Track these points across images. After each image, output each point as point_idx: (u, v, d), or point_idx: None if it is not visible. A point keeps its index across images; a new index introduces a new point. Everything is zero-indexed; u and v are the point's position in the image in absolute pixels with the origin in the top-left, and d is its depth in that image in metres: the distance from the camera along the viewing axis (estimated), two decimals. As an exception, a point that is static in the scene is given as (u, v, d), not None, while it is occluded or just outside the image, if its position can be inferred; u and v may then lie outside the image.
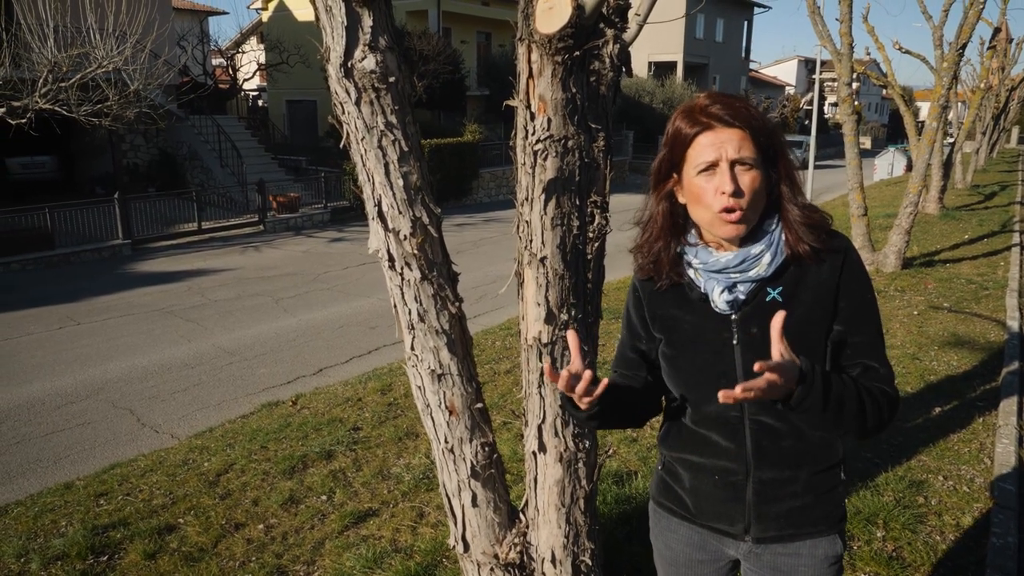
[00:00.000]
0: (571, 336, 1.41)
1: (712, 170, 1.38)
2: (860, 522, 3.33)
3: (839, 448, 1.54)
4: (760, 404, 1.47)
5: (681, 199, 1.48)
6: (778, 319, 1.26)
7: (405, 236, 1.96)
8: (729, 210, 1.37)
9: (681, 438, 1.61)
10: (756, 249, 1.42)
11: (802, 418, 1.38)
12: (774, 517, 1.53)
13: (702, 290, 1.48)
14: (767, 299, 1.44)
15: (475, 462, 2.20)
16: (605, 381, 1.37)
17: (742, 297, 1.45)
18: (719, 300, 1.45)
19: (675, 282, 1.53)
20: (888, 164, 28.24)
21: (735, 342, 1.46)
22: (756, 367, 1.21)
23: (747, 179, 1.37)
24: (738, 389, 1.18)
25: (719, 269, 1.44)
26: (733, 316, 1.47)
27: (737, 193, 1.36)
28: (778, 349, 1.25)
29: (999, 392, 4.97)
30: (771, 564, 1.57)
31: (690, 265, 1.50)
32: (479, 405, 2.21)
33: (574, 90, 1.78)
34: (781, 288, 1.44)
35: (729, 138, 1.37)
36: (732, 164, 1.36)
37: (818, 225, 1.43)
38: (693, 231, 1.51)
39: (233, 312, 9.10)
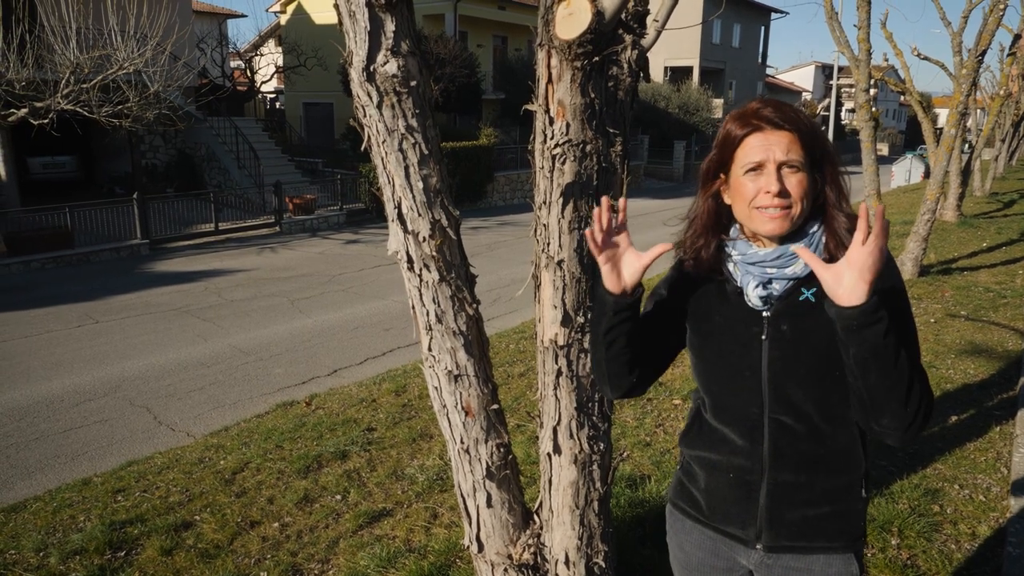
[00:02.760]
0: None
1: (759, 170, 1.41)
2: (875, 529, 3.32)
3: (861, 460, 1.50)
4: (782, 403, 1.48)
5: (727, 199, 1.52)
6: (863, 209, 1.26)
7: (424, 238, 1.98)
8: (772, 208, 1.40)
9: (701, 435, 1.63)
10: (795, 247, 1.42)
11: (862, 336, 1.27)
12: (787, 524, 1.52)
13: (738, 284, 1.51)
14: (800, 298, 1.45)
15: (490, 463, 2.22)
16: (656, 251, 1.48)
17: (776, 294, 1.47)
18: (753, 294, 1.47)
19: (713, 276, 1.56)
20: (905, 171, 28.05)
21: (764, 337, 1.48)
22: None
23: (793, 181, 1.40)
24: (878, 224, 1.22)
25: (756, 262, 1.46)
26: (765, 312, 1.48)
27: (783, 193, 1.39)
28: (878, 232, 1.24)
29: (1016, 401, 4.93)
30: None
31: (729, 258, 1.53)
32: (495, 406, 2.23)
33: (592, 95, 1.79)
34: (815, 289, 1.44)
35: (778, 140, 1.40)
36: (779, 166, 1.40)
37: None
38: (736, 227, 1.54)
39: (249, 312, 9.17)
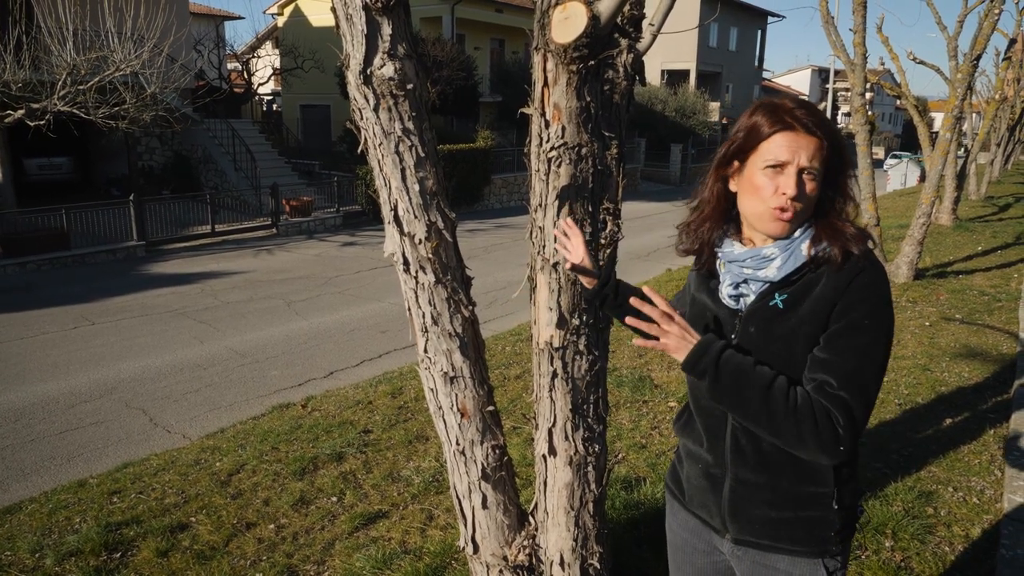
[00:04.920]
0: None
1: (780, 169, 1.41)
2: (869, 531, 3.33)
3: (830, 476, 1.48)
4: None
5: (733, 187, 1.52)
6: (647, 290, 1.48)
7: (420, 240, 1.99)
8: (783, 210, 1.41)
9: (688, 424, 1.69)
10: (767, 251, 1.45)
11: (701, 390, 1.45)
12: (750, 521, 1.55)
13: (719, 280, 1.56)
14: (770, 303, 1.46)
15: (486, 464, 2.22)
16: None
17: (750, 296, 1.49)
18: (724, 291, 1.52)
19: (711, 268, 1.59)
20: (901, 175, 28.16)
21: (734, 337, 1.51)
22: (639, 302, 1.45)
23: (809, 187, 1.41)
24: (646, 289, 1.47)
25: (732, 260, 1.50)
26: (740, 312, 1.51)
27: (799, 198, 1.40)
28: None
29: (1011, 404, 4.95)
30: (750, 571, 1.59)
31: (718, 257, 1.56)
32: (491, 408, 2.24)
33: (588, 98, 1.80)
34: (787, 296, 1.45)
35: (807, 144, 1.40)
36: (801, 171, 1.40)
37: (859, 240, 1.42)
38: (731, 225, 1.56)
39: (245, 314, 9.17)
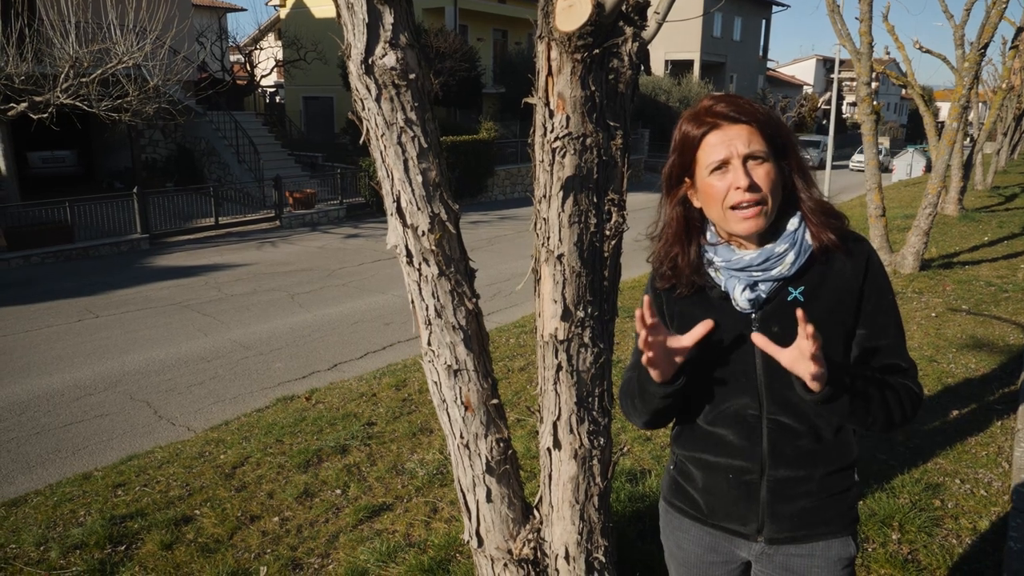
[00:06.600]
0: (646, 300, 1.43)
1: (724, 168, 1.39)
2: (875, 524, 3.31)
3: (854, 449, 1.53)
4: (779, 404, 1.47)
5: (696, 203, 1.50)
6: (800, 313, 1.27)
7: (423, 232, 1.97)
8: (746, 205, 1.38)
9: (695, 437, 1.61)
10: (780, 248, 1.42)
11: (830, 410, 1.40)
12: (787, 517, 1.53)
13: (722, 288, 1.49)
14: (788, 298, 1.44)
15: (490, 458, 2.21)
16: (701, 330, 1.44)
17: (764, 295, 1.45)
18: (740, 298, 1.45)
19: (696, 285, 1.52)
20: (907, 164, 28.04)
21: None
22: (807, 330, 1.25)
23: (761, 172, 1.38)
24: (809, 328, 1.23)
25: (742, 267, 1.44)
26: (753, 315, 1.47)
27: (753, 187, 1.37)
28: (809, 334, 1.26)
29: (1018, 395, 4.92)
30: (783, 565, 1.56)
31: (711, 264, 1.50)
32: (495, 401, 2.22)
33: (593, 88, 1.78)
34: (803, 288, 1.43)
35: (737, 134, 1.38)
36: (744, 159, 1.37)
37: (835, 215, 1.45)
38: (712, 229, 1.51)
39: (249, 307, 9.17)
